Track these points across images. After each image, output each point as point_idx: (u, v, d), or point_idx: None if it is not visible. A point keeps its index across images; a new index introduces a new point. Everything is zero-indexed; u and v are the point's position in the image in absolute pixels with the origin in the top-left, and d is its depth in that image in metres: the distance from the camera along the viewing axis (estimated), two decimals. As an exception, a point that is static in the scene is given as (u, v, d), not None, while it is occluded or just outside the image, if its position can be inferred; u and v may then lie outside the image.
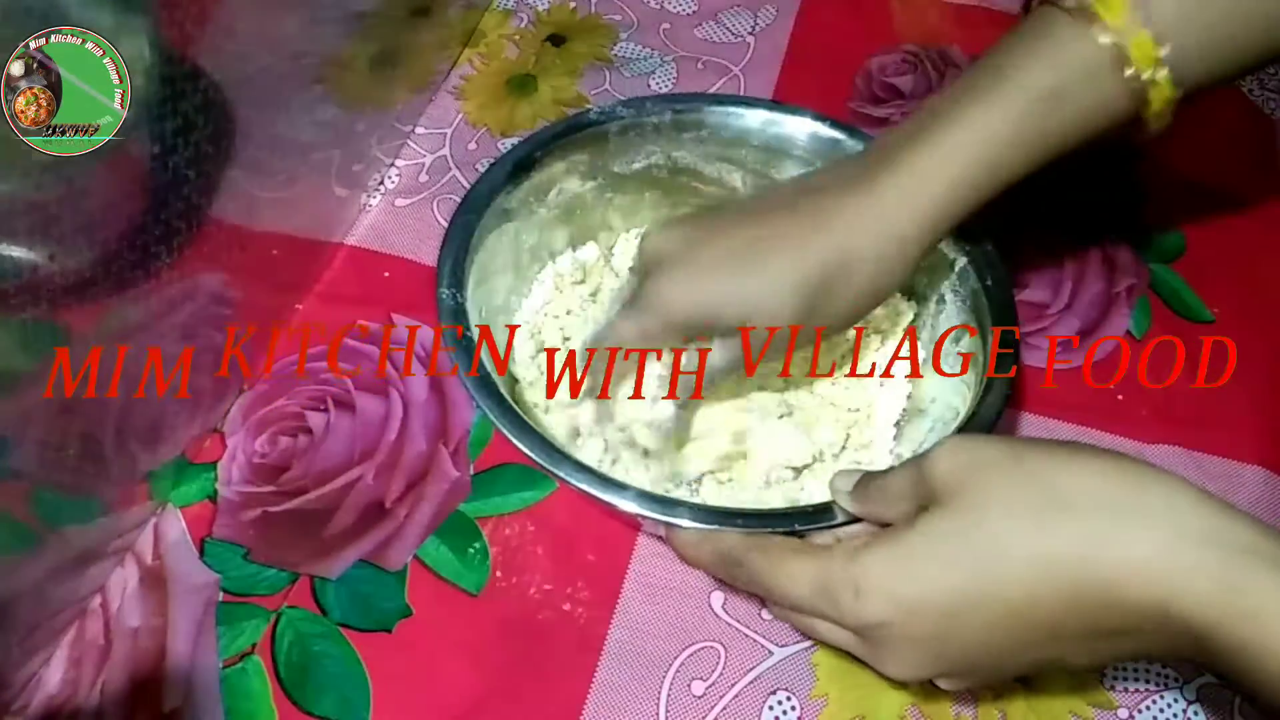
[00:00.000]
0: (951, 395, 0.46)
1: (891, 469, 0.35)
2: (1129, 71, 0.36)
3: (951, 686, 0.34)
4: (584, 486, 0.39)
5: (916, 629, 0.32)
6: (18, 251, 0.34)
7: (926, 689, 0.44)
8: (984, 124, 0.37)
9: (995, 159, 0.38)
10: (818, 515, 0.38)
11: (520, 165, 0.48)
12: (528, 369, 0.49)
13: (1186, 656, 0.30)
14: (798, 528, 0.38)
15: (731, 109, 0.51)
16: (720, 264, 0.40)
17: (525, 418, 0.41)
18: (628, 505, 0.39)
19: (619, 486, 0.39)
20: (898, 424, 0.49)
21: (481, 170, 0.48)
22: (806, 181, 0.43)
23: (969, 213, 0.39)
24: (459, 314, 0.44)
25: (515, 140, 0.60)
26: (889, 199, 0.38)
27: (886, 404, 0.49)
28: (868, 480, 0.36)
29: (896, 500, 0.34)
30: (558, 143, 0.49)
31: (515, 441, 0.40)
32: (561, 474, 0.39)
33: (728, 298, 0.40)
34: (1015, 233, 0.58)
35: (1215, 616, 0.28)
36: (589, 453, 0.46)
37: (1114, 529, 0.29)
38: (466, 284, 0.45)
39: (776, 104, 0.51)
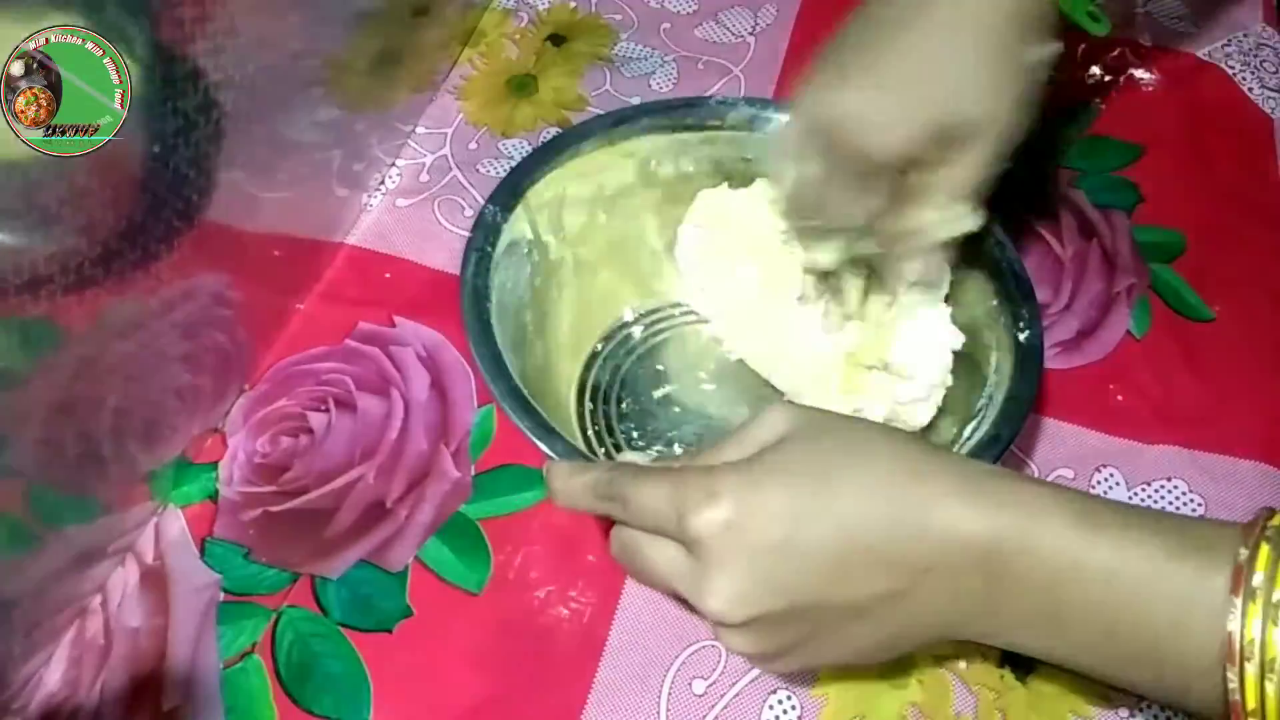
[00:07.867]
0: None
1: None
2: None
3: (767, 661, 0.36)
4: None
5: (754, 537, 0.33)
6: (18, 250, 0.34)
7: (927, 687, 0.44)
8: None
9: None
10: None
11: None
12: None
13: (975, 610, 0.33)
14: None
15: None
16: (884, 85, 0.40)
17: (532, 402, 0.41)
18: None
19: None
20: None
21: (482, 170, 0.48)
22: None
23: None
24: (514, 393, 0.42)
25: (515, 140, 0.60)
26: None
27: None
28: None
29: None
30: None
31: (515, 419, 0.40)
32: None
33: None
34: (1015, 233, 0.58)
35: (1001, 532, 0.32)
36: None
37: (925, 470, 0.33)
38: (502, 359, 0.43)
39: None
